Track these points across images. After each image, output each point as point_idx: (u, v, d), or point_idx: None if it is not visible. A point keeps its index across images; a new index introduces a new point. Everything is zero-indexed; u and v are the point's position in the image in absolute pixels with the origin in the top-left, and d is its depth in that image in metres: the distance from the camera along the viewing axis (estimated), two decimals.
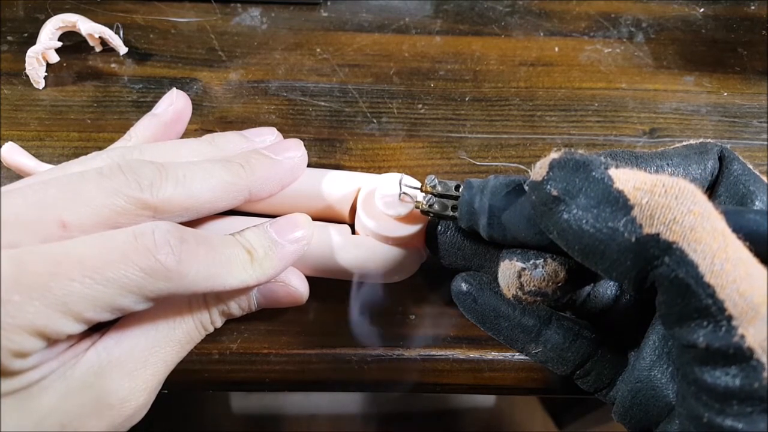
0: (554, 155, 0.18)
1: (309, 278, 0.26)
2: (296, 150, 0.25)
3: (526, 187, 0.19)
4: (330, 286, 0.26)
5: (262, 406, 0.85)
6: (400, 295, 0.27)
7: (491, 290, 0.23)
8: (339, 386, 0.27)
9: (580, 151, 0.19)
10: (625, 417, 0.22)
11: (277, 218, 0.24)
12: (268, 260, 0.22)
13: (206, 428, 0.85)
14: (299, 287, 0.25)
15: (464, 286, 0.23)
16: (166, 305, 0.22)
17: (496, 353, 0.26)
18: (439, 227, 0.24)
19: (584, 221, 0.17)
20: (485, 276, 0.24)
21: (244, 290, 0.24)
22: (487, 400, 0.88)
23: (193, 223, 0.24)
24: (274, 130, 0.27)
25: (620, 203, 0.17)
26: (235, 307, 0.24)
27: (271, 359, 0.26)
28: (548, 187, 0.18)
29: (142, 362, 0.21)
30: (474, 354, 0.26)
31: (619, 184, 0.17)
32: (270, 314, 0.26)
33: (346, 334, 0.26)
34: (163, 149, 0.24)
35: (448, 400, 0.88)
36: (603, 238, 0.17)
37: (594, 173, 0.18)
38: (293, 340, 0.26)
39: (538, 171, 0.18)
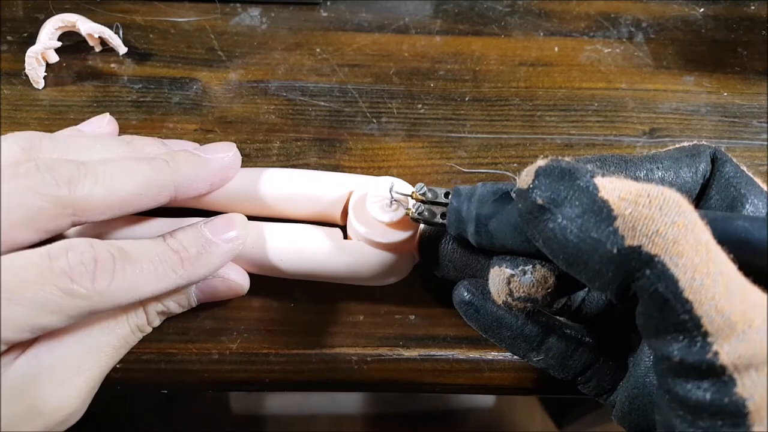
0: (540, 162, 0.18)
1: (304, 280, 0.26)
2: (227, 150, 0.25)
3: (513, 195, 0.19)
4: (330, 286, 0.26)
5: (262, 406, 0.85)
6: (399, 296, 0.27)
7: (493, 299, 0.23)
8: (339, 386, 0.27)
9: (567, 159, 0.19)
10: (624, 421, 0.22)
11: (213, 217, 0.24)
12: (201, 259, 0.22)
13: (206, 428, 0.85)
14: (239, 280, 0.25)
15: (467, 296, 0.23)
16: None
17: (496, 353, 0.26)
18: (441, 240, 0.24)
19: (569, 231, 0.17)
20: (487, 285, 0.24)
21: (179, 290, 0.23)
22: (487, 400, 0.88)
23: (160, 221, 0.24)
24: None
25: (604, 213, 0.17)
26: (174, 306, 0.24)
27: (271, 359, 0.26)
28: (534, 195, 0.18)
29: (75, 369, 0.21)
30: (474, 354, 0.26)
31: (604, 193, 0.17)
32: (270, 314, 0.26)
33: (346, 334, 0.26)
34: (77, 141, 0.23)
35: (448, 400, 0.88)
36: (586, 249, 0.17)
37: (579, 182, 0.17)
38: (293, 340, 0.26)
39: (525, 179, 0.18)
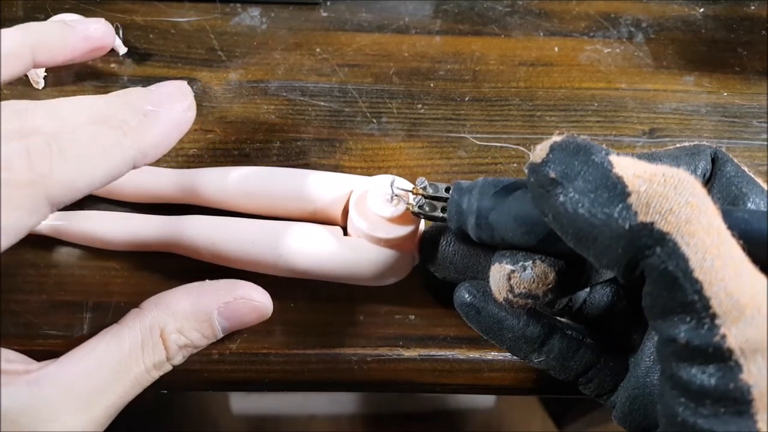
0: (556, 138, 0.18)
1: (304, 280, 0.26)
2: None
3: (525, 169, 0.19)
4: (330, 286, 0.26)
5: (262, 406, 0.85)
6: (399, 295, 0.27)
7: (495, 301, 0.23)
8: (339, 386, 0.27)
9: (583, 136, 0.19)
10: (625, 421, 0.22)
11: (153, 90, 0.22)
12: (144, 125, 0.21)
13: (206, 428, 0.85)
14: (262, 299, 0.24)
15: (468, 297, 0.23)
16: (112, 347, 0.21)
17: (496, 353, 0.26)
18: (442, 241, 0.24)
19: (580, 205, 0.17)
20: (489, 286, 0.24)
21: (136, 167, 0.21)
22: (487, 400, 0.88)
23: None
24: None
25: (618, 189, 0.17)
26: (197, 336, 0.23)
27: (271, 359, 0.26)
28: (547, 169, 0.18)
29: (77, 407, 0.20)
30: (474, 354, 0.26)
31: (618, 170, 0.17)
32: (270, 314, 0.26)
33: (346, 334, 0.26)
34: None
35: (448, 400, 0.88)
36: (597, 224, 0.17)
37: (594, 157, 0.17)
38: (293, 340, 0.26)
39: (539, 153, 0.18)
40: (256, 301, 0.23)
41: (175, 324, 0.22)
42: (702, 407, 0.16)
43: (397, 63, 0.35)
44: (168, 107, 0.22)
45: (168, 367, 0.23)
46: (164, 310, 0.23)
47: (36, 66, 0.24)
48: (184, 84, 0.23)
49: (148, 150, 0.21)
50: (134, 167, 0.21)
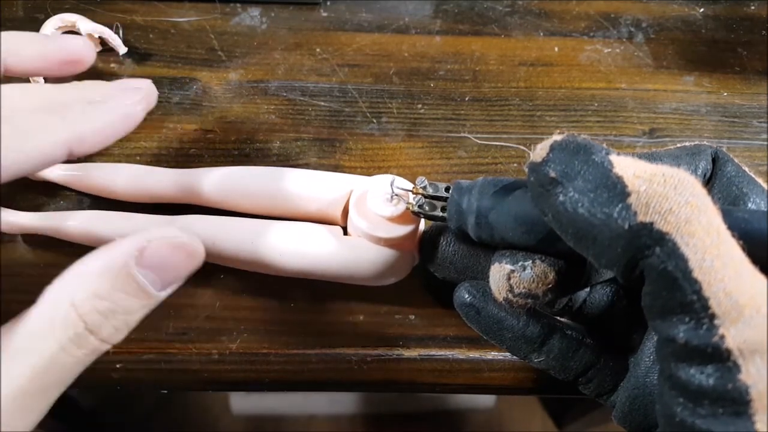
0: (556, 137, 0.18)
1: (304, 280, 0.26)
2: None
3: (526, 169, 0.19)
4: (330, 286, 0.26)
5: (262, 406, 0.85)
6: (399, 296, 0.27)
7: (495, 301, 0.23)
8: (338, 386, 0.27)
9: (584, 135, 0.19)
10: (624, 421, 0.22)
11: (107, 83, 0.22)
12: (87, 112, 0.20)
13: (206, 428, 0.85)
14: (186, 238, 0.19)
15: (467, 298, 0.23)
16: (19, 327, 0.18)
17: (496, 353, 0.26)
18: (441, 241, 0.24)
19: (580, 204, 0.17)
20: (489, 286, 0.24)
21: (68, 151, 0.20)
22: (487, 400, 0.88)
23: None
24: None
25: (618, 189, 0.17)
26: (121, 296, 0.18)
27: (271, 359, 0.26)
28: (547, 168, 0.18)
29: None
30: (473, 354, 0.26)
31: (618, 170, 0.17)
32: (270, 314, 0.26)
33: (346, 334, 0.26)
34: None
35: (448, 400, 0.88)
36: (596, 223, 0.17)
37: (594, 157, 0.17)
38: (293, 340, 0.26)
39: (539, 152, 0.18)
40: (178, 239, 0.19)
41: (87, 287, 0.18)
42: (700, 407, 0.16)
43: (397, 63, 0.35)
44: (117, 99, 0.21)
45: (95, 343, 0.18)
46: (73, 275, 0.19)
47: (7, 73, 0.23)
48: (146, 82, 0.22)
49: (86, 136, 0.20)
50: (72, 154, 0.19)
